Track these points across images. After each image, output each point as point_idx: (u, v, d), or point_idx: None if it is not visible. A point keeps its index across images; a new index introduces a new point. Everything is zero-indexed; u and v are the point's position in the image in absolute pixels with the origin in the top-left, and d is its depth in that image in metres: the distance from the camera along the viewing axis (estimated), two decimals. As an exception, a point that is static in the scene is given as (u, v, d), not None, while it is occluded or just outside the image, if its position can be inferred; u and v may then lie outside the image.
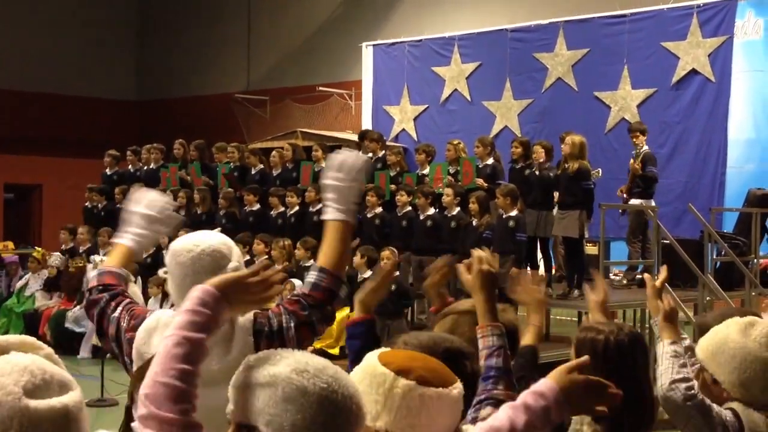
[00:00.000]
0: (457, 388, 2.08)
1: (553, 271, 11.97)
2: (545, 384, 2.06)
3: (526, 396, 2.05)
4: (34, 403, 1.55)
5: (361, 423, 1.80)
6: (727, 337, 3.02)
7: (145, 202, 3.25)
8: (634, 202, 11.85)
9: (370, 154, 13.05)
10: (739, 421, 2.94)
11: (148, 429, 1.84)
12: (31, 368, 1.59)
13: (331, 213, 3.01)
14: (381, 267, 3.18)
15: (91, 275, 3.12)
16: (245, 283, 2.21)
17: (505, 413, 2.03)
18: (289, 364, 1.77)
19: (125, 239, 3.22)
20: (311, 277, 2.98)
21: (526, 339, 3.21)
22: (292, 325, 2.88)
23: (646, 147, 11.95)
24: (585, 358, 2.16)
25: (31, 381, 1.58)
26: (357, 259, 10.81)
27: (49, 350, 1.71)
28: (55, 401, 1.58)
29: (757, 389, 2.97)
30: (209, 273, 2.82)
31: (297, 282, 10.59)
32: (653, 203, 11.85)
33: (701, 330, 3.27)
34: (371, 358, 2.12)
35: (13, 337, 1.72)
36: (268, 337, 2.84)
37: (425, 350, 2.35)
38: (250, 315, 2.92)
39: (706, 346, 3.06)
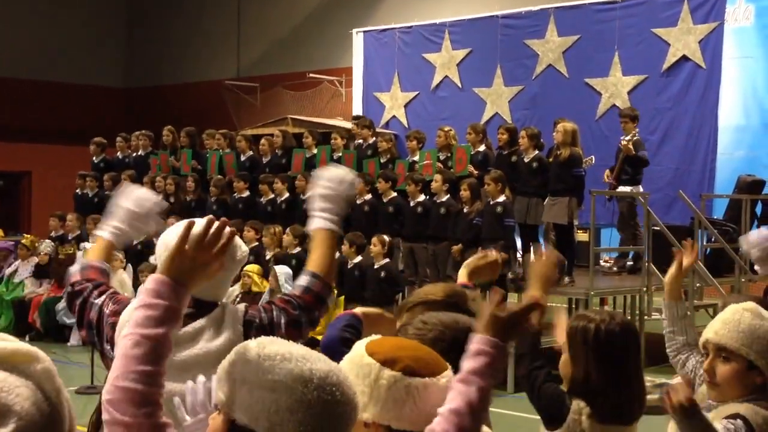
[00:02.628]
0: (446, 376, 2.03)
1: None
2: (479, 340, 2.04)
3: (467, 362, 2.01)
4: None
5: (356, 419, 1.79)
6: (752, 322, 3.04)
7: (133, 199, 3.20)
8: (623, 189, 11.77)
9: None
10: (748, 427, 2.93)
11: None
12: None
13: (321, 222, 3.05)
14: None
15: (73, 269, 3.09)
16: (186, 251, 1.95)
17: (456, 390, 1.99)
18: (291, 371, 1.71)
19: (106, 232, 3.20)
20: (303, 280, 3.01)
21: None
22: (283, 321, 2.91)
23: (636, 132, 11.89)
24: (499, 293, 2.12)
25: None
26: (345, 247, 10.78)
27: (48, 364, 1.47)
28: None
29: None
30: None
31: (283, 268, 10.57)
32: (641, 190, 11.81)
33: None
34: (359, 348, 2.09)
35: (8, 346, 1.44)
36: (257, 329, 2.84)
37: (447, 329, 2.33)
38: (241, 306, 2.94)
39: (735, 336, 3.04)
